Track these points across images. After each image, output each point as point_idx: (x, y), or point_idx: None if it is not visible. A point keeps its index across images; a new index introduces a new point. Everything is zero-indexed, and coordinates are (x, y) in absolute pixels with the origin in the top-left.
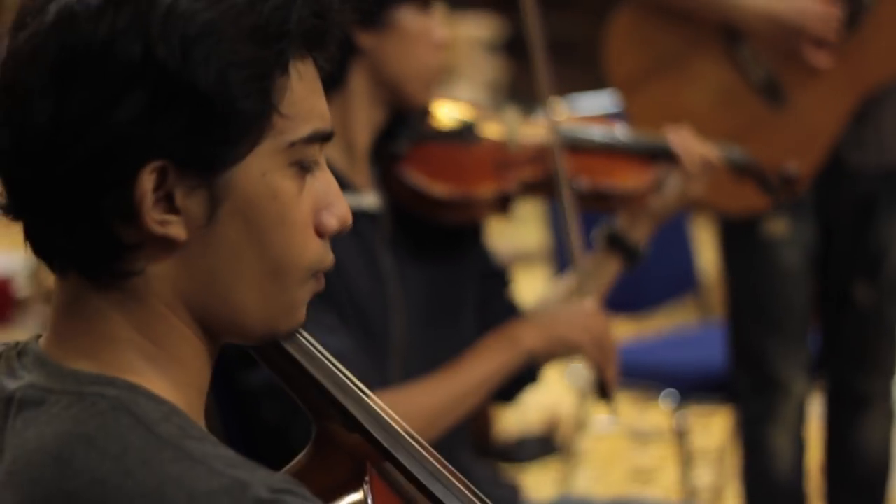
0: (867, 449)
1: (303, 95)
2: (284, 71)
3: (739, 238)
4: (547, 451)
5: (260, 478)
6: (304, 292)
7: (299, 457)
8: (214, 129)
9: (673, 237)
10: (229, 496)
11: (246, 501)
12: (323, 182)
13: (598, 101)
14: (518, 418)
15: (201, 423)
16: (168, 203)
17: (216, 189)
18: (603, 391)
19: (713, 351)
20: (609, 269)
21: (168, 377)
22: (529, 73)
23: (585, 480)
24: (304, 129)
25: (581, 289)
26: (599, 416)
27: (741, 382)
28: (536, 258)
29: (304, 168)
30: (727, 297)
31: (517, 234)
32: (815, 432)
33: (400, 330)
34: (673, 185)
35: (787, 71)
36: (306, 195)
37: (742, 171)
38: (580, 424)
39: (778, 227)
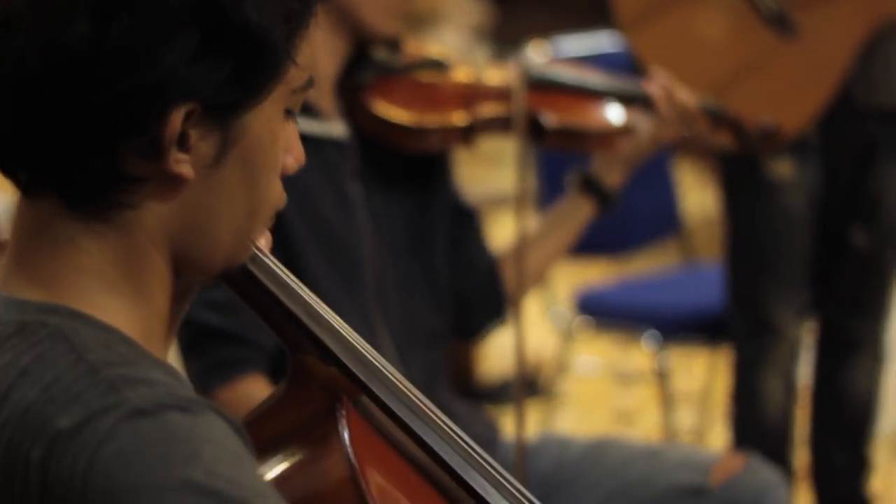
0: (854, 392)
1: (307, 43)
2: (312, 18)
3: (743, 180)
4: (529, 393)
5: (157, 393)
6: (263, 229)
7: (275, 390)
8: (254, 74)
9: (656, 179)
10: (115, 410)
11: (124, 413)
12: (290, 125)
13: (593, 42)
14: (500, 361)
15: (163, 355)
16: (182, 143)
17: (230, 133)
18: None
19: (696, 292)
20: (581, 213)
21: (129, 308)
22: (514, 17)
23: (567, 422)
24: (304, 77)
25: (549, 232)
26: (581, 357)
27: (736, 324)
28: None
29: (290, 113)
30: (726, 238)
31: (495, 178)
32: (805, 375)
33: (371, 257)
34: (646, 130)
35: (797, 1)
36: (284, 139)
37: (719, 120)
38: (562, 366)
39: (784, 169)
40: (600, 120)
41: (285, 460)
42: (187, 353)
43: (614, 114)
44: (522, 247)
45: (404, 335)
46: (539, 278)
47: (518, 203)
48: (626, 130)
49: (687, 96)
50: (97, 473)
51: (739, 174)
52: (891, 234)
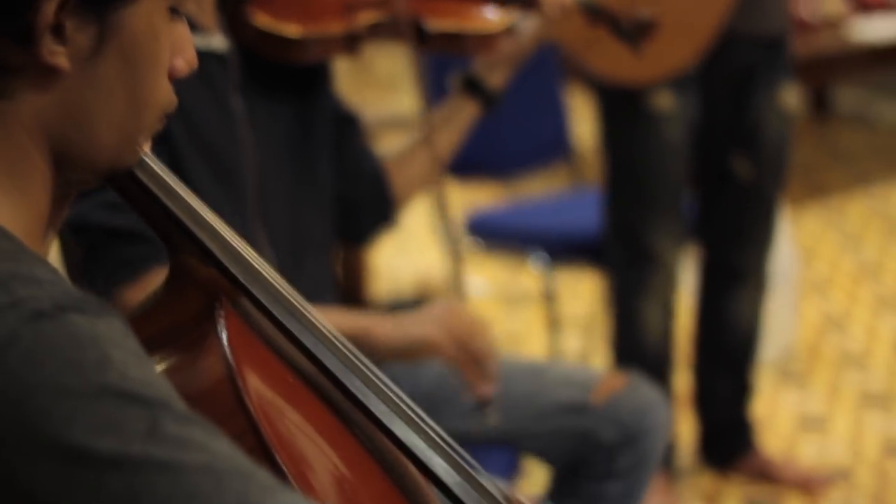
0: (738, 320)
1: None
2: None
3: (623, 111)
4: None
5: (50, 293)
6: (151, 131)
7: (154, 290)
8: None
9: (546, 104)
10: (12, 311)
11: (24, 315)
12: (180, 27)
13: None
14: (390, 283)
15: (44, 252)
16: (57, 33)
17: (107, 25)
18: (478, 403)
19: (584, 216)
20: (464, 114)
21: (6, 204)
22: None
23: None
24: None
25: (431, 136)
26: (471, 279)
27: (614, 253)
28: (410, 125)
29: (174, 12)
30: (605, 168)
31: (390, 100)
32: (685, 301)
33: (254, 171)
34: (528, 29)
35: None
36: (169, 38)
37: (595, 15)
38: (451, 287)
39: (663, 101)
40: (482, 22)
41: (164, 360)
42: (90, 256)
43: (495, 15)
44: (430, 134)
45: (289, 247)
46: (425, 181)
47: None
48: (507, 31)
49: None
50: (1, 381)
51: (619, 106)
52: (772, 162)
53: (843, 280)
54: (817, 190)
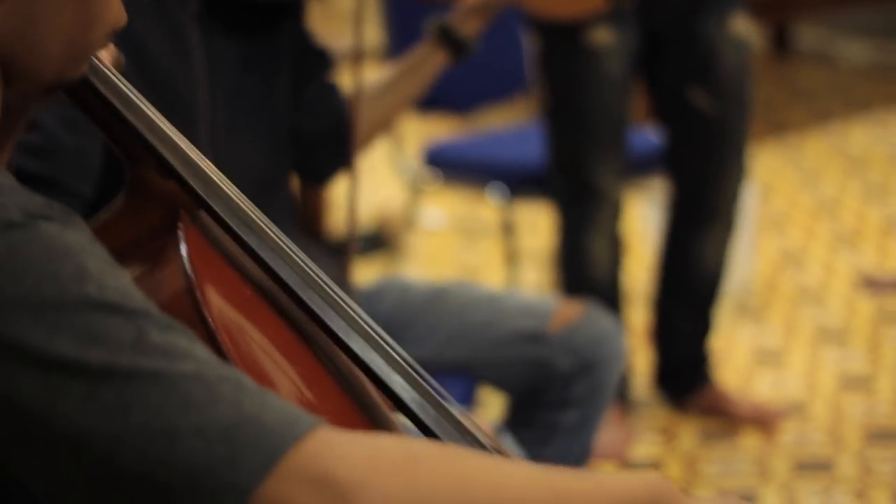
0: (705, 258)
1: None
2: None
3: (561, 47)
4: (375, 247)
5: (15, 201)
6: (99, 48)
7: (112, 203)
8: None
9: (504, 37)
10: None
11: None
12: None
13: None
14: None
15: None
16: None
17: None
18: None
19: (542, 148)
20: (434, 62)
21: None
22: None
23: (412, 276)
24: None
25: (400, 79)
26: (429, 211)
27: (558, 189)
28: (374, 57)
29: None
30: (545, 104)
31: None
32: (649, 237)
33: (208, 104)
34: None
35: None
36: None
37: None
38: (409, 220)
39: (601, 36)
40: None
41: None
42: None
43: None
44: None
45: (243, 182)
46: (388, 125)
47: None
48: None
49: None
50: None
51: (557, 42)
52: (732, 94)
53: (801, 216)
54: (776, 127)
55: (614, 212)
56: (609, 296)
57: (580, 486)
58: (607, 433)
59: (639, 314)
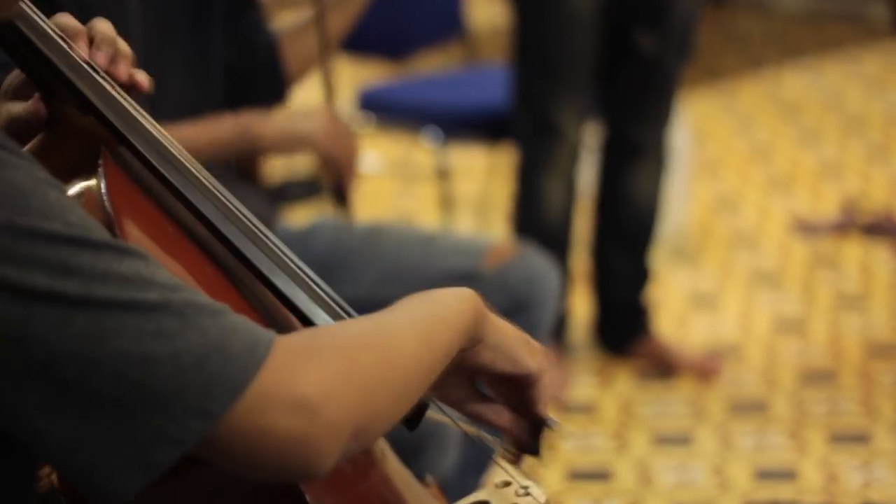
0: (638, 196)
1: None
2: None
3: None
4: (312, 193)
5: None
6: None
7: (33, 141)
8: None
9: None
10: None
11: None
12: None
13: None
14: (283, 160)
15: None
16: None
17: None
18: (340, 195)
19: (478, 92)
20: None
21: None
22: None
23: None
24: None
25: (323, 15)
26: (364, 155)
27: (519, 126)
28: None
29: None
30: (512, 40)
31: None
32: (585, 180)
33: (139, 39)
34: None
35: None
36: None
37: None
38: None
39: None
40: None
41: None
42: None
43: None
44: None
45: (175, 118)
46: (315, 60)
47: None
48: None
49: None
50: None
51: None
52: (677, 39)
53: (736, 161)
54: (710, 73)
55: (572, 153)
56: (559, 238)
57: (438, 333)
58: None
59: (578, 259)
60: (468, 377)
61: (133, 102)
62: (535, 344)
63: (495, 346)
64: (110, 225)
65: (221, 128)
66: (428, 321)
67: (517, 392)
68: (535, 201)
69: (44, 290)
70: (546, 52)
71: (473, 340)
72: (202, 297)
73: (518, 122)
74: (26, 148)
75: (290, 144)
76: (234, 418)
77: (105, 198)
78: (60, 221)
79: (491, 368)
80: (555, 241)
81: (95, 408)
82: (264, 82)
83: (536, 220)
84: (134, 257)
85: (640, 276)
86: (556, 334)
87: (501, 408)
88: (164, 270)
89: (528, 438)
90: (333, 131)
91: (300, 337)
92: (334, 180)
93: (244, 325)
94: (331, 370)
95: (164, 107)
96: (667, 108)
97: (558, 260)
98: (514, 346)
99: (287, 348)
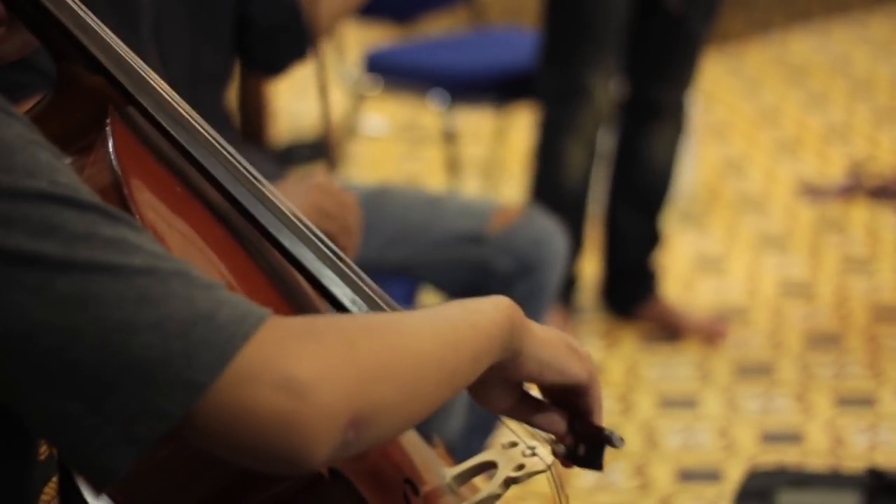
0: (654, 158)
1: None
2: None
3: None
4: (318, 155)
5: None
6: None
7: (40, 99)
8: None
9: None
10: None
11: None
12: None
13: None
14: (291, 125)
15: None
16: None
17: None
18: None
19: (486, 54)
20: None
21: None
22: None
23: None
24: None
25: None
26: (371, 118)
27: (545, 85)
28: None
29: None
30: (544, 1)
31: None
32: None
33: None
34: None
35: None
36: None
37: None
38: (351, 128)
39: None
40: None
41: None
42: None
43: None
44: None
45: (183, 78)
46: (342, 13)
47: None
48: None
49: None
50: None
51: None
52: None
53: (743, 125)
54: (718, 36)
55: (597, 117)
56: (577, 202)
57: (464, 336)
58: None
59: (588, 222)
60: (515, 387)
61: (142, 62)
62: (581, 349)
63: (538, 356)
64: (118, 184)
65: None
66: (454, 322)
67: (572, 399)
68: (555, 164)
69: (23, 251)
70: (581, 13)
71: (511, 351)
72: (194, 269)
73: (544, 83)
74: (33, 109)
75: None
76: (220, 391)
77: (113, 157)
78: (47, 180)
79: (539, 379)
80: (572, 206)
81: (78, 378)
82: (287, 39)
83: (555, 183)
84: (123, 223)
85: (650, 238)
86: (565, 297)
87: (557, 416)
88: (156, 242)
89: (588, 450)
90: (324, 204)
91: (299, 319)
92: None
93: (236, 298)
94: (327, 352)
95: (177, 65)
96: (690, 70)
97: (574, 224)
98: (558, 354)
99: (281, 325)
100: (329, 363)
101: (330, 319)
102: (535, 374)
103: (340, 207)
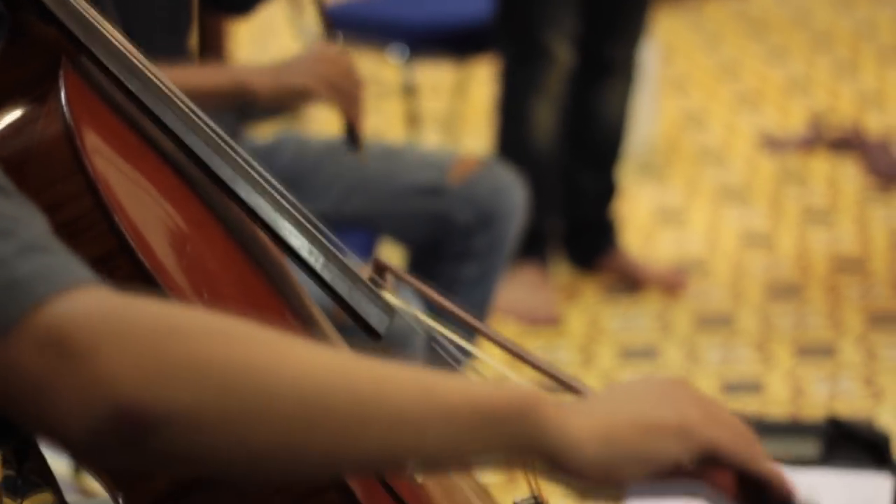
0: (606, 112)
1: None
2: None
3: None
4: (276, 110)
5: None
6: None
7: None
8: None
9: None
10: None
11: None
12: None
13: None
14: None
15: None
16: None
17: None
18: (352, 138)
19: (445, 8)
20: None
21: None
22: None
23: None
24: None
25: None
26: None
27: (506, 47)
28: None
29: None
30: None
31: None
32: None
33: None
34: None
35: None
36: None
37: None
38: None
39: None
40: None
41: (2, 118)
42: None
43: None
44: None
45: (140, 26)
46: None
47: None
48: None
49: None
50: None
51: None
52: None
53: (703, 77)
54: None
55: (562, 76)
56: (547, 162)
57: (392, 393)
58: (535, 298)
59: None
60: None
61: (95, 12)
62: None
63: (597, 457)
64: (69, 135)
65: (217, 79)
66: (389, 375)
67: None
68: (523, 125)
69: None
70: None
71: (529, 448)
72: (31, 233)
73: (506, 45)
74: None
75: (286, 99)
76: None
77: (64, 108)
78: None
79: (628, 480)
80: (542, 165)
81: None
82: None
83: (524, 144)
84: None
85: (606, 192)
86: (541, 254)
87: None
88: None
89: None
90: (331, 74)
91: (132, 298)
92: (346, 123)
93: (56, 258)
94: (135, 331)
95: (130, 14)
96: (639, 26)
97: (546, 182)
98: (638, 442)
99: (98, 294)
100: (129, 344)
101: (184, 312)
102: (612, 477)
103: (347, 77)
